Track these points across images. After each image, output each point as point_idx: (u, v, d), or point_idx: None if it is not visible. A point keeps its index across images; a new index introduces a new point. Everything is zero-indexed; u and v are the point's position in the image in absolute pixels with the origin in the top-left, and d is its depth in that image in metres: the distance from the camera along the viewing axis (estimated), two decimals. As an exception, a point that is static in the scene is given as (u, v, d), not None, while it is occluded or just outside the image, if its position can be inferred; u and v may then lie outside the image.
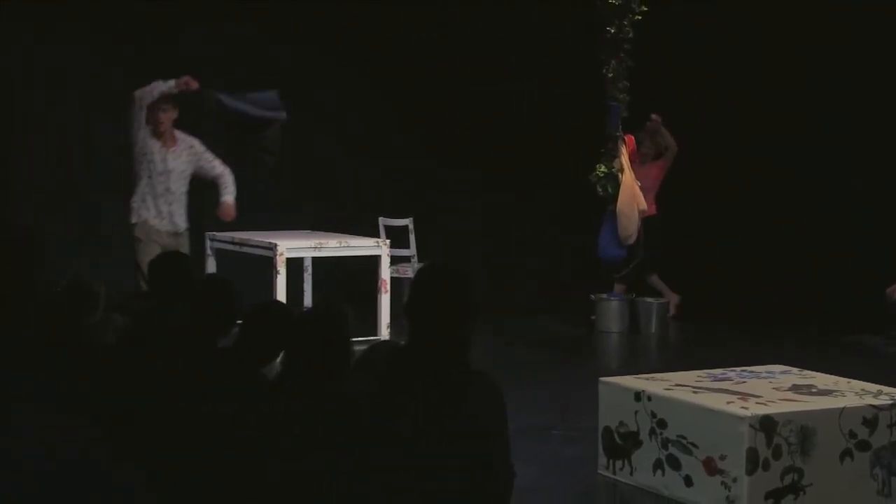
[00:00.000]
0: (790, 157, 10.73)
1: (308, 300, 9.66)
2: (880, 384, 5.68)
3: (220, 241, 9.50)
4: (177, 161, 8.16)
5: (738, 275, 10.83)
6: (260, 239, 9.12)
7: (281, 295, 8.42)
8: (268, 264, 8.78)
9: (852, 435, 5.21)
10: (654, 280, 10.34)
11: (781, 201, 10.84)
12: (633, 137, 9.96)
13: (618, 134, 9.81)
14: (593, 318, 10.03)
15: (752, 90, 10.94)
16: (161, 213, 8.10)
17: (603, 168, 9.81)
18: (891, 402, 5.33)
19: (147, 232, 8.04)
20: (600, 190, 9.83)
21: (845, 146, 10.47)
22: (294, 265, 9.23)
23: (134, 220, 8.09)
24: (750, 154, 10.99)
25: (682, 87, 10.87)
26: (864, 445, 5.23)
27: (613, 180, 9.79)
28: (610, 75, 9.77)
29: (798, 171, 10.68)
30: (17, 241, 2.03)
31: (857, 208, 10.37)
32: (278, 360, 4.18)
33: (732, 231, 11.14)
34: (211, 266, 9.44)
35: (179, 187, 8.18)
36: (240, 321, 4.41)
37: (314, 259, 9.73)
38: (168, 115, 8.06)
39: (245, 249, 9.20)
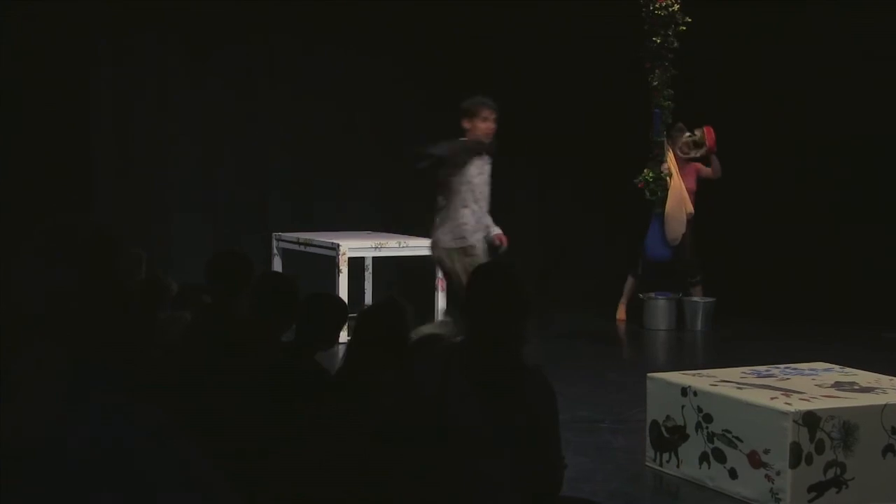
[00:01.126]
0: (830, 153, 10.70)
1: (368, 298, 9.90)
2: (921, 381, 5.72)
3: (285, 241, 9.79)
4: None
5: (781, 272, 10.88)
6: (323, 239, 9.38)
7: (343, 293, 8.67)
8: (331, 264, 9.03)
9: (894, 431, 5.25)
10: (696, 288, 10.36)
11: (821, 198, 10.84)
12: (711, 129, 10.13)
13: (661, 139, 10.03)
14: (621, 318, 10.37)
15: (792, 96, 10.95)
16: None
17: (651, 173, 10.02)
18: (931, 398, 5.36)
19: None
20: (649, 194, 10.04)
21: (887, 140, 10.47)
22: (355, 264, 9.46)
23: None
24: (792, 153, 11.02)
25: (723, 93, 10.96)
26: (905, 441, 5.26)
27: (661, 184, 10.01)
28: (655, 83, 10.00)
29: (839, 166, 10.65)
30: (96, 233, 2.21)
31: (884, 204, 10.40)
32: (341, 354, 4.34)
33: (775, 228, 11.17)
34: (277, 265, 9.72)
35: None
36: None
37: (374, 258, 9.98)
38: None
39: (309, 249, 9.46)
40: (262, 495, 3.56)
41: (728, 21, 10.77)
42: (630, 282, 10.50)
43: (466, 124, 7.12)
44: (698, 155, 10.25)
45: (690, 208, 10.08)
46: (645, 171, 10.09)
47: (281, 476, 3.73)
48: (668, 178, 10.02)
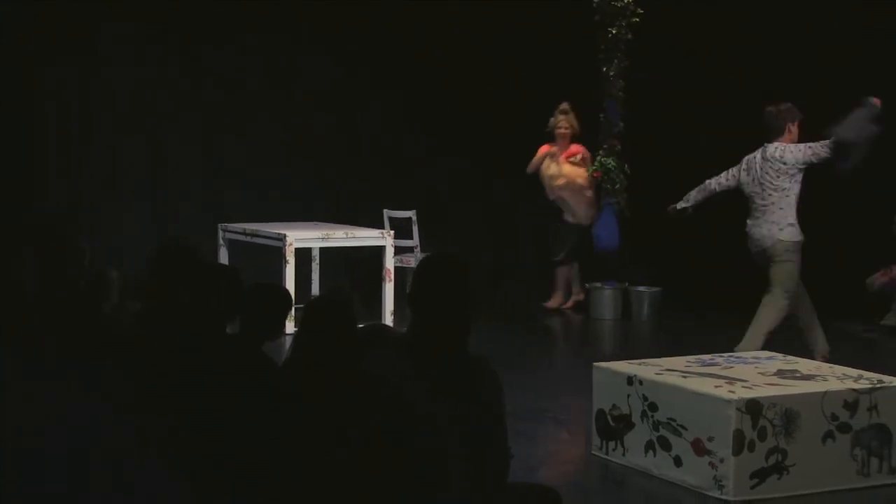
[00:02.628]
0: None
1: (315, 289, 9.88)
2: (860, 369, 5.84)
3: (232, 231, 9.75)
4: None
5: (724, 262, 10.99)
6: (270, 230, 9.35)
7: (290, 284, 8.65)
8: (277, 254, 9.01)
9: (834, 417, 5.34)
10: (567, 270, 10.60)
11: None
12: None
13: (617, 130, 10.11)
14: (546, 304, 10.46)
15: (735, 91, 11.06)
16: None
17: (612, 162, 10.08)
18: (870, 386, 5.46)
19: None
20: (608, 185, 10.11)
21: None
22: (302, 255, 9.45)
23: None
24: (743, 143, 11.11)
25: (673, 86, 11.06)
26: (845, 427, 5.36)
27: (619, 173, 10.09)
28: (612, 74, 10.06)
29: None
30: (41, 228, 2.19)
31: (837, 200, 10.54)
32: (287, 345, 4.32)
33: (720, 218, 11.27)
34: (223, 256, 9.68)
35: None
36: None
37: (321, 249, 9.97)
38: None
39: (256, 240, 9.43)
40: (214, 490, 3.56)
41: (680, 15, 10.84)
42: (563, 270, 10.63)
43: (791, 127, 7.53)
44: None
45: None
46: (601, 159, 10.14)
47: (233, 471, 3.72)
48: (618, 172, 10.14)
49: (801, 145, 7.53)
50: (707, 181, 8.07)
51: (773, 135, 7.58)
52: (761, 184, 7.55)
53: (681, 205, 8.06)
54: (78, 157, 10.33)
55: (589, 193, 10.40)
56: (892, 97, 9.32)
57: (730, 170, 7.89)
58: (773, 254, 7.52)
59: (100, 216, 10.19)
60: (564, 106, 10.39)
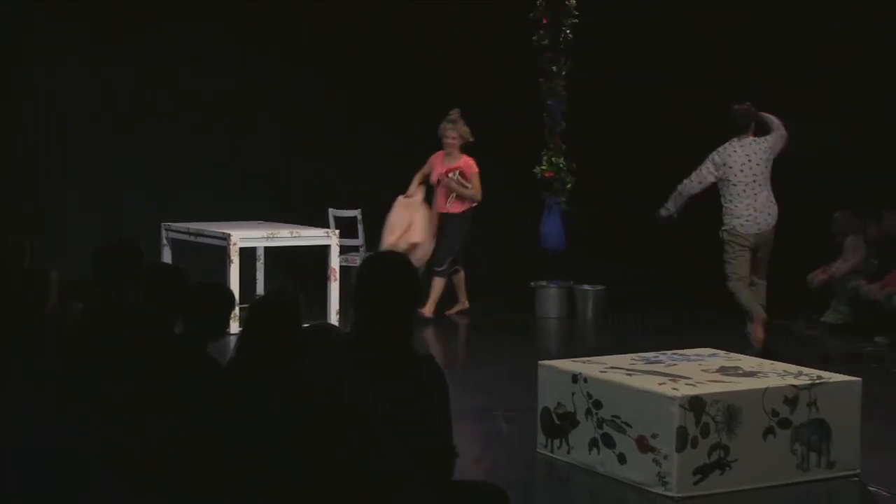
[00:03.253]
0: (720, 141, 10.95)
1: (260, 288, 9.84)
2: (800, 365, 5.92)
3: (175, 231, 9.67)
4: None
5: (668, 261, 11.09)
6: (214, 229, 9.30)
7: (234, 283, 8.61)
8: (222, 254, 8.96)
9: (775, 413, 5.41)
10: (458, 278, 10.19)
11: (714, 192, 11.06)
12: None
13: (560, 129, 10.15)
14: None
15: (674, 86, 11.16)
16: None
17: (562, 162, 10.12)
18: (810, 382, 5.54)
19: None
20: (557, 184, 10.13)
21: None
22: (247, 254, 9.41)
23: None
24: (669, 146, 11.20)
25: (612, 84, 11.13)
26: (785, 423, 5.44)
27: (569, 175, 10.13)
28: (562, 71, 10.11)
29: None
30: None
31: (778, 198, 10.67)
32: (233, 345, 4.30)
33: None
34: (166, 256, 9.61)
35: None
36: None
37: (266, 249, 9.92)
38: None
39: (200, 239, 9.37)
40: (160, 489, 3.54)
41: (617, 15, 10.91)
42: (440, 282, 9.95)
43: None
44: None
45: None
46: (551, 158, 10.14)
47: (177, 469, 3.72)
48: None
49: (770, 136, 8.43)
50: (680, 187, 8.62)
51: (743, 130, 8.38)
52: (762, 173, 8.35)
53: (664, 212, 8.74)
54: (19, 155, 10.20)
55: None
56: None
57: (700, 169, 8.55)
58: (770, 237, 8.41)
59: (42, 215, 10.07)
60: (454, 115, 9.87)
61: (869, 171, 9.84)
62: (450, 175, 9.89)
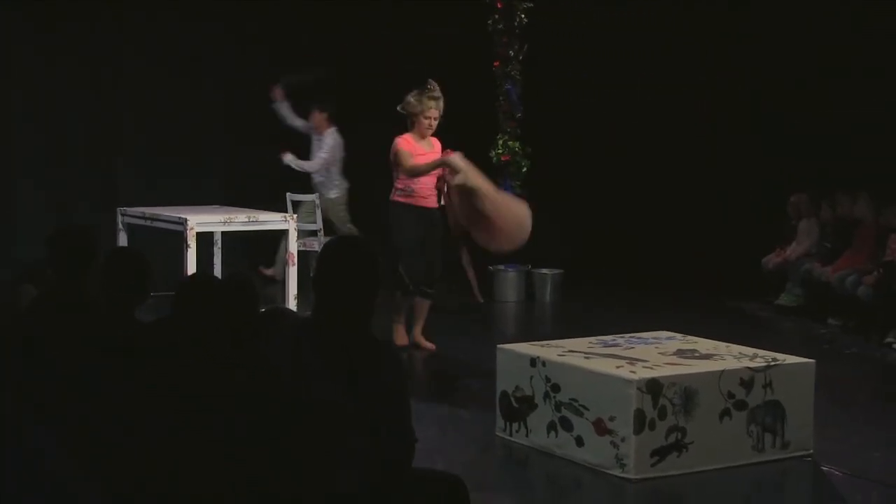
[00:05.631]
0: (677, 131, 11.04)
1: (218, 273, 9.78)
2: (756, 348, 5.98)
3: (131, 215, 9.58)
4: None
5: (628, 245, 11.17)
6: (170, 214, 9.22)
7: (191, 268, 8.54)
8: (178, 238, 8.89)
9: (730, 395, 5.46)
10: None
11: (670, 176, 11.16)
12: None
13: (518, 115, 10.17)
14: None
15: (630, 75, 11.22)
16: None
17: (518, 145, 10.13)
18: (765, 364, 5.60)
19: None
20: (513, 167, 10.16)
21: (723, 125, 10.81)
22: (204, 239, 9.33)
23: None
24: (631, 132, 11.27)
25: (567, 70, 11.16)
26: (741, 405, 5.49)
27: (524, 159, 10.15)
28: (518, 56, 10.13)
29: (683, 146, 11.01)
30: None
31: (738, 185, 10.77)
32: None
33: (622, 204, 11.44)
34: (122, 240, 9.52)
35: None
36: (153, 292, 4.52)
37: (224, 233, 9.85)
38: None
39: (156, 224, 9.29)
40: (119, 475, 3.52)
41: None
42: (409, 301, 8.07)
43: None
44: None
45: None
46: (507, 142, 10.14)
47: (136, 457, 3.64)
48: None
49: None
50: None
51: None
52: None
53: None
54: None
55: None
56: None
57: None
58: None
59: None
60: (436, 88, 7.87)
61: (823, 156, 9.94)
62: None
